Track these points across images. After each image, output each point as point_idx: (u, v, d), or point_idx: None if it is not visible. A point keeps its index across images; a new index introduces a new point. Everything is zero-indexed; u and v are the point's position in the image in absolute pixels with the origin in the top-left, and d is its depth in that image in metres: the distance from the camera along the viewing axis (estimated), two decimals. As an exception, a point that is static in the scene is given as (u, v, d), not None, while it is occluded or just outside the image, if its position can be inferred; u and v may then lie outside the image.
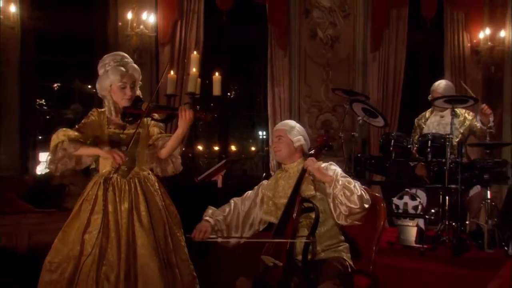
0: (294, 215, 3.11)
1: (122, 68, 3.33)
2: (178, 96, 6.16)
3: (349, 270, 3.24)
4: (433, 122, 5.46)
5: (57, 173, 3.36)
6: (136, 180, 3.36)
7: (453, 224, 5.05)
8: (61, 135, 3.21)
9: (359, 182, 3.17)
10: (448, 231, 5.05)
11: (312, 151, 3.32)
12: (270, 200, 3.39)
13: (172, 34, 6.42)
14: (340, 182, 3.08)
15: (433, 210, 5.30)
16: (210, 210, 3.44)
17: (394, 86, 7.00)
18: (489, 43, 7.02)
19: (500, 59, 7.14)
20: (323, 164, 3.25)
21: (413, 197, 5.06)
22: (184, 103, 5.83)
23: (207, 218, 3.37)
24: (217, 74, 5.78)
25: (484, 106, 5.12)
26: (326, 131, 7.01)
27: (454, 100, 4.89)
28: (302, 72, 7.01)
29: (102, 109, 3.44)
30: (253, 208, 3.47)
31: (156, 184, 3.46)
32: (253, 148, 7.78)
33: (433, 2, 7.05)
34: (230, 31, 6.84)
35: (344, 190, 3.05)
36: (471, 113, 5.43)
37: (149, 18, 6.27)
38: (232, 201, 3.51)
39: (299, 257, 3.13)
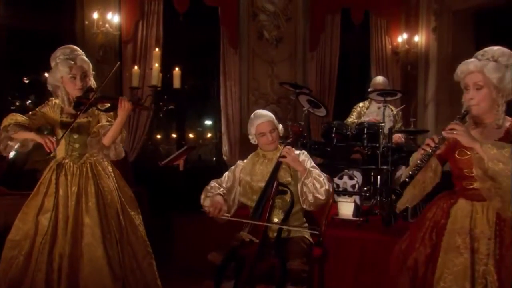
0: (270, 199, 3.00)
1: (71, 61, 3.15)
2: (141, 89, 5.92)
3: (311, 246, 3.19)
4: (373, 112, 5.54)
5: (5, 153, 3.26)
6: (88, 165, 3.22)
7: (384, 199, 5.15)
8: (9, 118, 3.10)
9: (327, 176, 3.12)
10: (380, 205, 5.14)
11: (289, 140, 3.19)
12: (247, 184, 3.24)
13: (134, 32, 6.23)
14: (313, 174, 3.01)
15: (365, 188, 5.38)
16: (212, 186, 3.21)
17: (330, 80, 7.02)
18: (406, 46, 7.15)
19: (415, 60, 7.29)
20: (297, 152, 3.16)
21: (351, 177, 5.09)
22: (146, 95, 5.64)
23: (219, 192, 3.14)
24: (177, 69, 5.59)
25: (396, 135, 5.25)
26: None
27: (385, 93, 4.98)
28: (250, 68, 6.90)
29: (57, 99, 3.27)
30: (233, 189, 3.30)
31: (109, 167, 3.30)
32: (209, 135, 7.63)
33: (360, 10, 7.09)
34: (187, 30, 6.65)
35: (315, 181, 2.99)
36: (399, 112, 5.59)
37: (114, 18, 6.06)
38: (214, 182, 3.29)
39: (272, 234, 3.05)
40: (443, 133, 2.34)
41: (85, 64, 3.22)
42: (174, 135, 7.11)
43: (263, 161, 3.26)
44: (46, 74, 3.96)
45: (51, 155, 3.07)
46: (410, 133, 5.23)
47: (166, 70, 5.89)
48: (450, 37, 6.93)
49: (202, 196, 3.20)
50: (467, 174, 2.42)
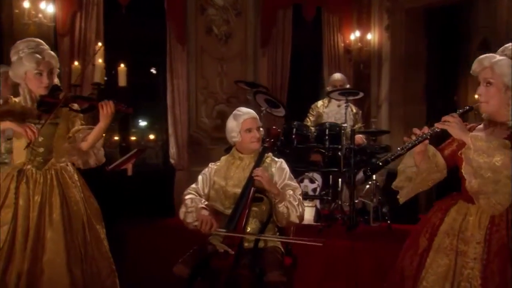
0: (247, 207, 2.79)
1: (38, 55, 2.82)
2: (81, 87, 5.49)
3: (283, 256, 3.04)
4: (332, 110, 5.42)
5: None
6: (53, 172, 2.92)
7: (345, 203, 5.06)
8: None
9: (300, 191, 2.98)
10: (341, 209, 5.03)
11: (267, 144, 3.01)
12: (221, 188, 3.00)
13: (71, 25, 5.77)
14: (286, 197, 2.84)
15: (323, 192, 5.25)
16: (193, 199, 2.95)
17: (282, 78, 6.83)
18: (359, 44, 7.10)
19: (367, 58, 7.23)
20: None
21: (312, 180, 4.95)
22: (88, 94, 5.26)
23: (203, 206, 2.88)
24: (122, 65, 5.23)
25: (357, 136, 5.18)
26: (221, 120, 6.70)
27: (347, 92, 4.85)
28: (199, 66, 6.60)
29: (17, 98, 2.93)
30: (209, 194, 3.06)
31: (75, 175, 3.01)
32: (154, 137, 7.23)
33: (312, 6, 6.96)
34: (131, 24, 6.26)
35: (289, 207, 2.84)
36: (359, 111, 5.49)
37: (48, 7, 5.54)
38: (192, 193, 3.02)
39: (247, 245, 2.87)
40: (436, 124, 2.28)
41: (53, 59, 2.92)
42: (116, 138, 6.68)
43: (239, 165, 3.04)
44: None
45: (30, 145, 2.80)
46: (371, 134, 5.13)
47: (108, 66, 5.53)
48: (403, 35, 6.94)
49: (182, 211, 2.93)
50: None
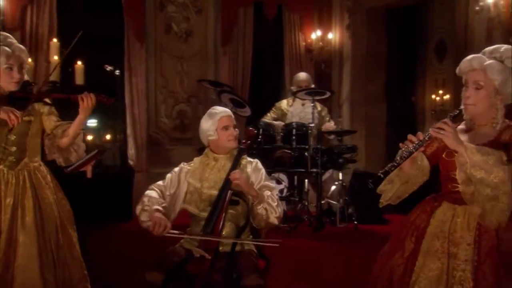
0: (224, 210, 2.70)
1: (7, 48, 2.67)
2: (35, 85, 5.21)
3: (257, 258, 2.96)
4: (296, 109, 5.40)
5: None
6: (26, 173, 2.79)
7: (312, 204, 5.06)
8: None
9: (277, 191, 2.94)
10: (307, 210, 5.03)
11: (243, 146, 2.93)
12: (196, 190, 2.90)
13: (21, 19, 5.46)
14: (265, 199, 2.78)
15: (289, 193, 5.22)
16: (151, 197, 2.82)
17: (243, 77, 6.77)
18: (320, 43, 7.13)
19: (329, 58, 7.27)
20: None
21: (279, 181, 4.92)
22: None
23: (158, 207, 2.74)
24: (79, 63, 5.02)
25: (327, 124, 5.31)
26: (181, 120, 6.58)
27: (314, 92, 4.83)
28: (158, 64, 6.45)
29: None
30: (176, 195, 2.93)
31: (48, 176, 2.89)
32: (112, 137, 6.99)
33: (273, 4, 6.94)
34: (87, 20, 6.01)
35: (267, 208, 2.78)
36: (325, 108, 5.47)
37: (-6, 0, 5.24)
38: (154, 190, 2.90)
39: (223, 249, 2.79)
40: (430, 131, 2.24)
41: (23, 53, 2.78)
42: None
43: (214, 166, 2.95)
44: None
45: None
46: (338, 134, 5.13)
47: (64, 64, 5.28)
48: (364, 35, 7.02)
49: (139, 207, 2.80)
50: (453, 176, 2.33)
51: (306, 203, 4.98)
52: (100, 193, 5.63)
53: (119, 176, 6.36)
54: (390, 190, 2.46)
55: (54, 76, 4.78)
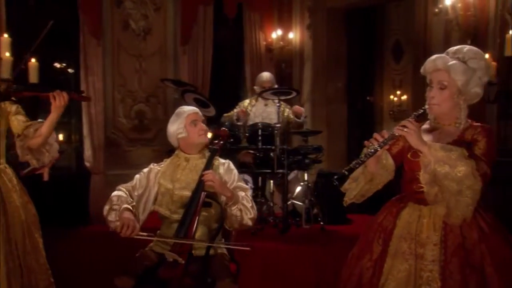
0: (198, 213, 2.64)
1: None
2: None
3: (229, 262, 2.96)
4: (259, 109, 5.37)
5: None
6: None
7: (277, 205, 5.05)
8: None
9: (250, 192, 2.95)
10: (272, 212, 5.00)
11: (216, 146, 2.91)
12: (168, 192, 2.84)
13: (-36, 13, 5.20)
14: (239, 199, 2.75)
15: (253, 194, 5.18)
16: (120, 196, 2.75)
17: (203, 76, 6.65)
18: (281, 42, 7.13)
19: (289, 57, 7.28)
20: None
21: (245, 182, 4.84)
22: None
23: (128, 206, 2.67)
24: (33, 60, 4.80)
25: (295, 106, 5.28)
26: (140, 121, 6.43)
27: (279, 92, 4.82)
28: (115, 62, 6.25)
29: None
30: (144, 196, 2.87)
31: (14, 179, 2.83)
32: (62, 138, 6.73)
33: (233, 3, 6.88)
34: (39, 15, 5.78)
35: (242, 209, 2.77)
36: (288, 106, 5.46)
37: None
38: (122, 190, 2.82)
39: (195, 252, 2.74)
40: (395, 129, 2.26)
41: None
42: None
43: (186, 166, 2.90)
44: None
45: None
46: (303, 134, 5.14)
47: (17, 61, 5.05)
48: (324, 35, 7.07)
49: (106, 207, 2.72)
50: (418, 176, 2.35)
51: (272, 205, 4.96)
52: (55, 196, 5.45)
53: (75, 178, 6.18)
54: (354, 189, 2.49)
55: (6, 74, 4.55)
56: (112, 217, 2.67)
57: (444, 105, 2.35)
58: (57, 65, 6.58)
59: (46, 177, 4.45)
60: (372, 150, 2.27)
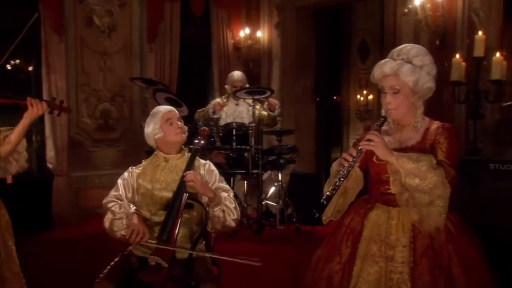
0: (180, 215, 2.57)
1: None
2: None
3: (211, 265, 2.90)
4: (230, 108, 5.31)
5: None
6: None
7: (250, 206, 5.01)
8: None
9: (233, 193, 2.88)
10: (246, 213, 4.96)
11: (198, 146, 2.82)
12: (148, 192, 2.76)
13: None
14: (222, 200, 2.70)
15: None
16: (121, 205, 2.69)
17: (170, 75, 6.56)
18: (249, 41, 7.09)
19: (257, 56, 7.24)
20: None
21: (217, 183, 4.78)
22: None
23: (135, 211, 2.62)
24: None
25: (270, 99, 5.18)
26: (105, 120, 6.25)
27: (253, 91, 4.77)
28: (79, 60, 6.07)
29: None
30: (133, 200, 2.80)
31: None
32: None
33: (201, 0, 6.79)
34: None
35: (225, 210, 2.72)
36: (259, 104, 5.40)
37: None
38: (112, 198, 2.75)
39: (179, 255, 2.68)
40: (361, 145, 2.27)
41: None
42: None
43: (165, 166, 2.84)
44: None
45: None
46: (277, 134, 5.10)
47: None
48: (293, 33, 7.05)
49: (109, 217, 2.65)
50: (385, 179, 2.38)
51: (245, 206, 4.91)
52: (15, 200, 5.21)
53: (36, 180, 5.95)
54: (329, 207, 2.48)
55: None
56: (118, 226, 2.61)
57: (401, 108, 2.38)
58: (14, 62, 6.31)
59: (9, 180, 4.25)
60: (345, 172, 2.26)
